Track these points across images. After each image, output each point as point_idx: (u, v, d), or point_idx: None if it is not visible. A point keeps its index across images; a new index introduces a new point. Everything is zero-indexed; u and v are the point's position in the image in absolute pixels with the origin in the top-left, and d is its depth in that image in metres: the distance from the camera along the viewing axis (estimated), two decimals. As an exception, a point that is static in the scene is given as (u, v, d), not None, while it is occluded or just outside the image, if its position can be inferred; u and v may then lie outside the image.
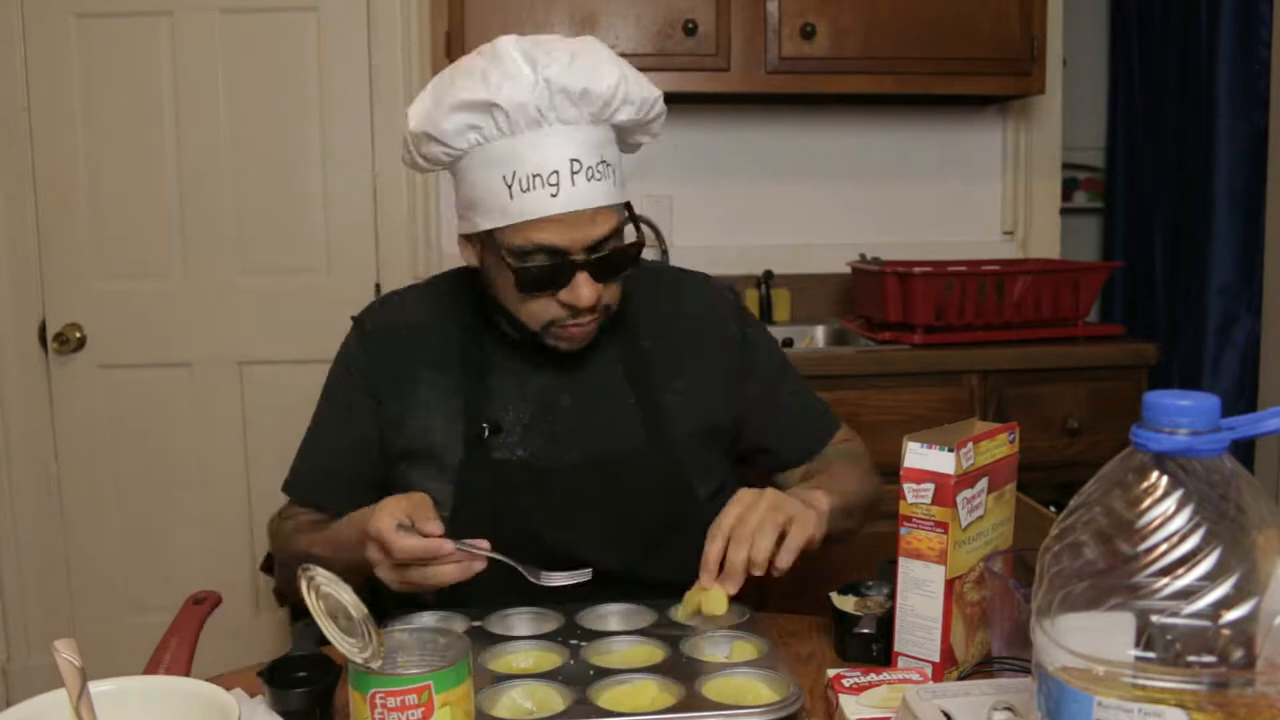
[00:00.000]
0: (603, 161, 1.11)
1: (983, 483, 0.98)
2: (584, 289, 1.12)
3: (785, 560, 1.02)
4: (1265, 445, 2.51)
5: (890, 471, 0.99)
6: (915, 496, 0.95)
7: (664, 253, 2.66)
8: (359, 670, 0.78)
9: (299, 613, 1.89)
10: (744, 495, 1.06)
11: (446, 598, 1.12)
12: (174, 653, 0.94)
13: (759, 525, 1.02)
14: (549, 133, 1.09)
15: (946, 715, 0.80)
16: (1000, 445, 1.01)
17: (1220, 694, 0.58)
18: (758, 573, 1.02)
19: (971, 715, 0.80)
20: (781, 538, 1.03)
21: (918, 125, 2.81)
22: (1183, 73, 2.82)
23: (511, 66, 1.08)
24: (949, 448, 0.93)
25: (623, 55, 2.69)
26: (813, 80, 2.46)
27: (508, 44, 1.10)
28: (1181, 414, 0.61)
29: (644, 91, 1.15)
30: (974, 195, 2.86)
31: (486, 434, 1.22)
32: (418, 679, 0.77)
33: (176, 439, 2.61)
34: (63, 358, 2.59)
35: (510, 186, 1.09)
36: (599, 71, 1.10)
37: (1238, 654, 0.58)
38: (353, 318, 1.34)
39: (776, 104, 2.73)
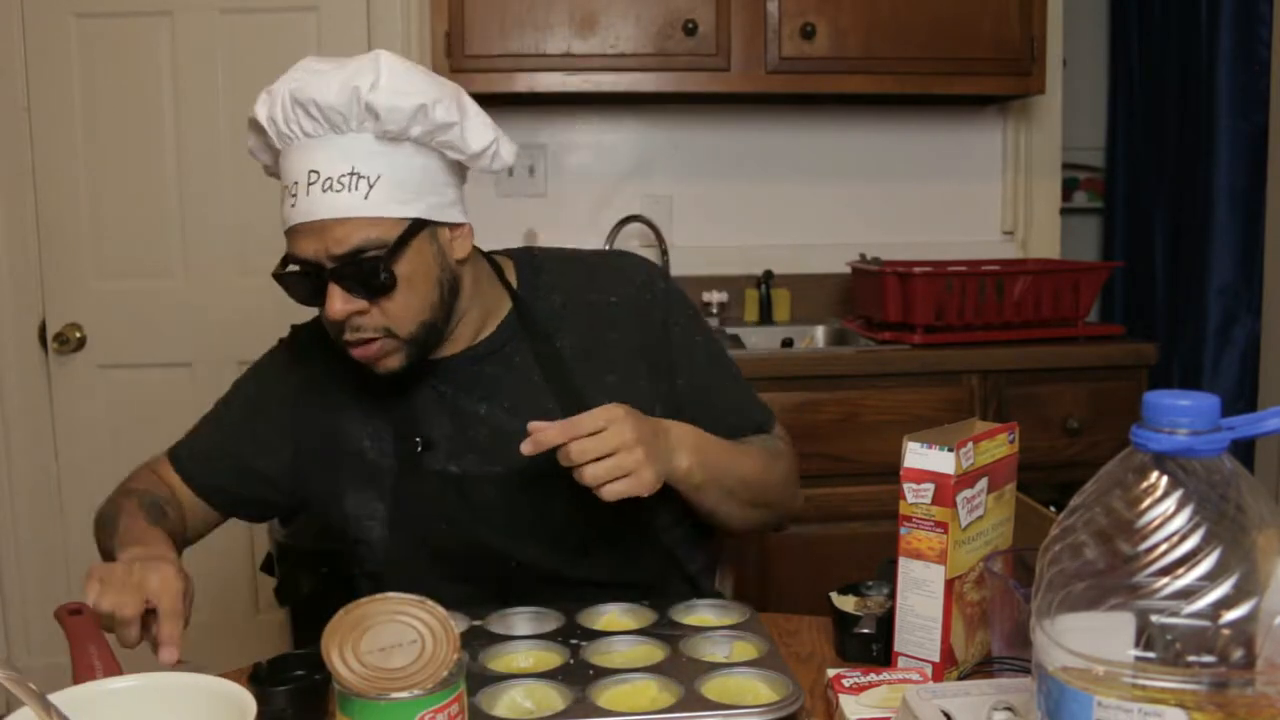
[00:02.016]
0: (352, 174, 1.07)
1: (983, 483, 0.98)
2: (332, 300, 1.09)
3: (603, 492, 1.02)
4: (1265, 445, 2.51)
5: (890, 471, 0.99)
6: (915, 496, 0.95)
7: (664, 253, 2.66)
8: (406, 700, 0.70)
9: (299, 613, 1.89)
10: (617, 413, 1.03)
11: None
12: (100, 658, 0.94)
13: (610, 452, 1.01)
14: (295, 146, 1.10)
15: (946, 715, 0.80)
16: (1000, 445, 1.01)
17: (1220, 694, 0.58)
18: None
19: (971, 715, 0.80)
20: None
21: (918, 125, 2.81)
22: (1183, 73, 2.82)
23: (274, 84, 1.09)
24: (949, 448, 0.93)
25: (622, 55, 2.66)
26: (813, 80, 2.46)
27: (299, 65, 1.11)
28: (1181, 414, 0.61)
29: (392, 100, 1.05)
30: (974, 195, 2.86)
31: (420, 449, 1.21)
32: (455, 687, 0.72)
33: (176, 439, 2.60)
34: (63, 358, 2.59)
35: (281, 201, 1.12)
36: (325, 82, 1.06)
37: (1238, 654, 0.58)
38: (293, 327, 1.34)
39: (776, 104, 2.73)
